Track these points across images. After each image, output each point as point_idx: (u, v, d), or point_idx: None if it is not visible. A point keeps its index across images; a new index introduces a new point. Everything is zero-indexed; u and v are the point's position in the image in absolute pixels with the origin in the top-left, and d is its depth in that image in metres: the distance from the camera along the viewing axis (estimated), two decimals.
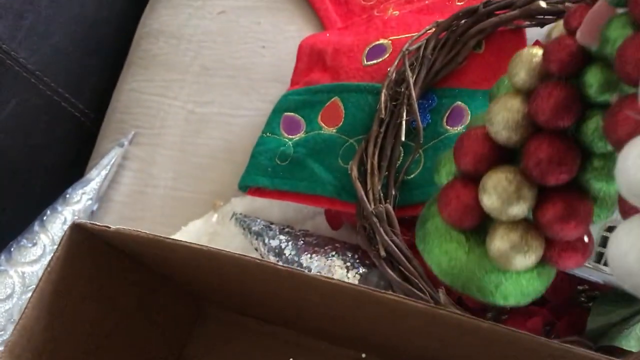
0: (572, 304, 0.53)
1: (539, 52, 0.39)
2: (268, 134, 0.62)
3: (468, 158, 0.40)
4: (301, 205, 0.63)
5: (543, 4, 0.57)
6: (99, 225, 0.40)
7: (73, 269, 0.41)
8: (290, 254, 0.60)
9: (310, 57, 0.66)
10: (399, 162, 0.57)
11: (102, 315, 0.47)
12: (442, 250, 0.42)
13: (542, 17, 0.59)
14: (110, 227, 0.39)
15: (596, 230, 0.46)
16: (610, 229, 0.46)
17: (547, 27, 0.56)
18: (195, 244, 0.38)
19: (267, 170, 0.59)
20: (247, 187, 0.62)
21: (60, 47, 0.78)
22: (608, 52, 0.33)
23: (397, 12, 0.67)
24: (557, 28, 0.40)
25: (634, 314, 0.49)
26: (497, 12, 0.59)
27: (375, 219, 0.52)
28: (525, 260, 0.38)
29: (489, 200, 0.38)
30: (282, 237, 0.61)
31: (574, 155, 0.36)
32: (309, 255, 0.59)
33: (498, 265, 0.39)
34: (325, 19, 0.76)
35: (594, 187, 0.38)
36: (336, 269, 0.57)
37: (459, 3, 0.65)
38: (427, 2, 0.67)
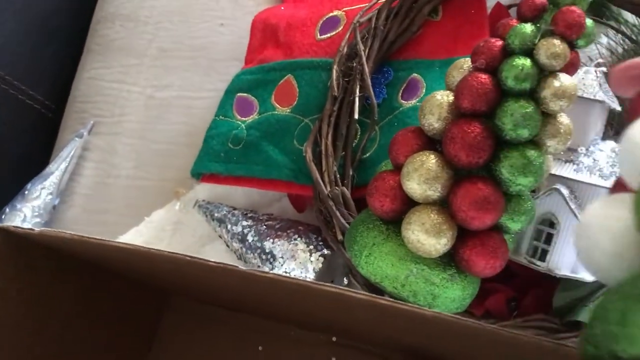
0: (542, 277, 0.51)
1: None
2: (221, 116, 0.60)
3: (400, 151, 0.40)
4: None
5: None
6: (22, 229, 0.38)
7: (4, 275, 0.40)
8: (252, 240, 0.58)
9: (263, 33, 0.63)
10: (355, 141, 0.55)
11: (45, 319, 0.45)
12: (365, 239, 0.41)
13: None
14: (34, 230, 0.38)
15: (533, 223, 0.45)
16: (544, 222, 0.45)
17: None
18: (120, 242, 0.37)
19: (220, 156, 0.57)
20: (200, 174, 0.60)
21: (13, 39, 0.75)
22: None
23: None
24: (456, 68, 0.41)
25: (599, 287, 0.48)
26: None
27: (331, 202, 0.50)
28: (436, 243, 0.37)
29: (409, 181, 0.38)
30: (244, 222, 0.60)
31: (488, 141, 0.37)
32: (271, 240, 0.57)
33: (412, 250, 0.38)
34: None
35: (505, 177, 0.38)
36: (299, 253, 0.55)
37: None
38: None
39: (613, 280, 0.21)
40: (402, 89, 0.55)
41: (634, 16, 0.57)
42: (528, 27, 0.38)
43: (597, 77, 0.47)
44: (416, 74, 0.55)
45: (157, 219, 0.66)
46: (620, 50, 0.57)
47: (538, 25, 0.38)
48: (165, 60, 0.76)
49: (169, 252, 0.36)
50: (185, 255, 0.36)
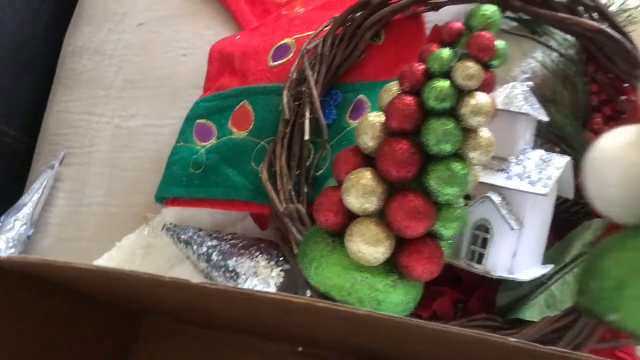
0: (485, 279, 0.55)
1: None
2: (181, 142, 0.63)
3: (341, 169, 0.44)
4: None
5: None
6: None
7: None
8: (217, 259, 0.61)
9: (220, 62, 0.67)
10: (310, 160, 0.58)
11: (19, 344, 0.48)
12: (314, 251, 0.44)
13: (434, 1, 0.60)
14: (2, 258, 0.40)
15: (469, 229, 0.49)
16: (480, 227, 0.48)
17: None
18: (82, 264, 0.39)
19: (182, 180, 0.61)
20: (163, 198, 0.63)
21: None
22: None
23: (302, 10, 0.68)
24: (387, 91, 0.45)
25: (539, 285, 0.51)
26: (390, 1, 0.60)
27: (286, 219, 0.54)
28: (375, 252, 0.41)
29: (348, 196, 0.41)
30: (209, 243, 0.63)
31: (415, 156, 0.41)
32: (234, 258, 0.60)
33: (355, 260, 0.42)
34: (241, 20, 0.77)
35: (433, 188, 0.42)
36: (260, 269, 0.59)
37: None
38: None
39: (625, 216, 0.23)
40: (350, 109, 0.59)
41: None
42: (445, 52, 0.42)
43: (523, 91, 0.51)
44: (362, 95, 0.59)
45: (127, 243, 0.69)
46: (551, 64, 0.61)
47: (455, 49, 0.42)
48: (131, 91, 0.79)
49: (129, 270, 0.39)
50: (142, 274, 0.39)
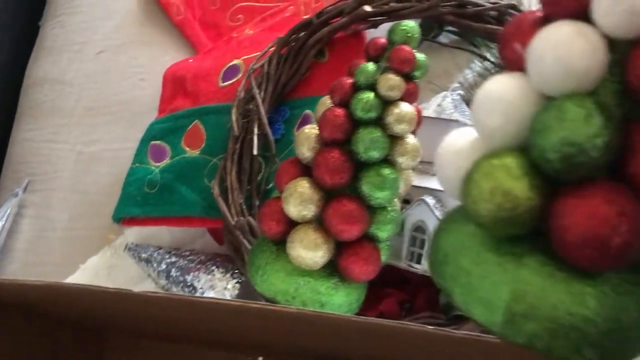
0: (430, 279, 0.57)
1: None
2: (137, 164, 0.65)
3: (282, 180, 0.46)
4: None
5: (368, 8, 0.61)
6: None
7: None
8: (176, 275, 0.63)
9: (173, 85, 0.70)
10: (261, 174, 0.61)
11: None
12: (260, 260, 0.47)
13: (372, 19, 0.63)
14: None
15: (407, 231, 0.52)
16: (418, 229, 0.51)
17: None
18: (41, 282, 0.41)
19: (137, 200, 0.63)
20: (120, 218, 0.65)
21: None
22: None
23: (251, 32, 0.71)
24: (322, 104, 0.48)
25: None
26: (331, 21, 0.63)
27: (237, 232, 0.56)
28: (314, 256, 0.43)
29: (287, 205, 0.43)
30: (168, 260, 0.65)
31: (347, 164, 0.44)
32: (192, 274, 0.62)
33: (297, 265, 0.44)
34: (197, 44, 0.80)
35: (365, 193, 0.44)
36: (216, 282, 0.61)
37: (306, 17, 0.69)
38: (277, 19, 0.71)
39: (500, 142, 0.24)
40: (298, 124, 0.62)
41: None
42: (369, 66, 0.45)
43: (454, 100, 0.54)
44: (308, 110, 0.62)
45: (91, 265, 0.71)
46: (486, 73, 0.65)
47: (379, 63, 0.45)
48: (91, 117, 0.81)
49: (84, 285, 0.41)
50: (95, 287, 0.41)
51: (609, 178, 0.21)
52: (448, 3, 0.61)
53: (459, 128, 0.50)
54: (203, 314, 0.46)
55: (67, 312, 0.55)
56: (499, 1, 0.61)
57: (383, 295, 0.55)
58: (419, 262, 0.51)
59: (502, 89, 0.23)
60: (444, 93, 0.55)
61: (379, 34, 0.66)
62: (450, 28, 0.69)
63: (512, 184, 0.22)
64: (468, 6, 0.61)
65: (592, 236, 0.20)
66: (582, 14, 0.21)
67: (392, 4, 0.62)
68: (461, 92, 0.55)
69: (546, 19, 0.23)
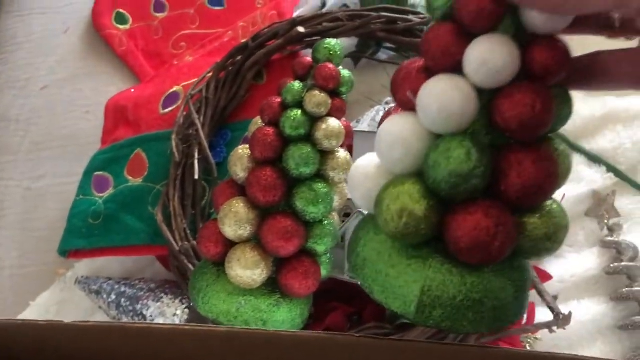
0: None
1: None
2: (81, 196, 0.65)
3: (219, 201, 0.47)
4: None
5: (301, 29, 0.63)
6: None
7: None
8: (126, 305, 0.63)
9: (114, 115, 0.70)
10: (205, 198, 0.61)
11: None
12: (201, 282, 0.47)
13: (308, 39, 0.65)
14: None
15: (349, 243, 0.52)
16: None
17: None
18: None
19: (82, 232, 0.62)
20: (66, 251, 0.64)
21: None
22: None
23: (191, 58, 0.72)
24: (255, 124, 0.49)
25: None
26: (267, 44, 0.64)
27: (182, 257, 0.56)
28: (252, 275, 0.44)
29: (223, 226, 0.44)
30: (118, 290, 0.64)
31: (279, 181, 0.45)
32: (142, 302, 0.62)
33: (237, 285, 0.44)
34: (141, 74, 0.81)
35: (299, 209, 0.44)
36: (165, 309, 0.60)
37: (243, 40, 0.70)
38: (216, 44, 0.72)
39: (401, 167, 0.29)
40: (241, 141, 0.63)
41: None
42: (296, 85, 0.46)
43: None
44: (249, 132, 0.62)
45: (42, 301, 0.70)
46: None
47: (306, 81, 0.47)
48: (38, 152, 0.81)
49: (28, 320, 0.40)
50: (35, 321, 0.41)
51: (487, 196, 0.27)
52: (379, 20, 0.62)
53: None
54: (147, 343, 0.46)
55: (18, 349, 0.54)
56: (428, 16, 0.63)
57: (330, 309, 0.55)
58: None
59: (400, 128, 0.28)
60: (377, 107, 0.56)
61: None
62: (388, 44, 0.71)
63: (415, 206, 0.27)
64: (398, 22, 0.63)
65: (478, 243, 0.26)
66: (457, 68, 0.27)
67: (325, 24, 0.63)
68: (393, 104, 0.57)
69: (428, 69, 0.28)
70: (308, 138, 0.46)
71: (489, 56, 0.26)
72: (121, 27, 0.85)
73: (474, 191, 0.27)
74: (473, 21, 0.26)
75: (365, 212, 0.50)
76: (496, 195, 0.27)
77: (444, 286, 0.28)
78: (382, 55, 0.73)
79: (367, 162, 0.31)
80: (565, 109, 0.29)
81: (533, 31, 0.27)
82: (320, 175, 0.47)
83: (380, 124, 0.32)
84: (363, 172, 0.31)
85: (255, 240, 0.46)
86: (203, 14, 0.84)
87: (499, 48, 0.26)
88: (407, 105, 0.29)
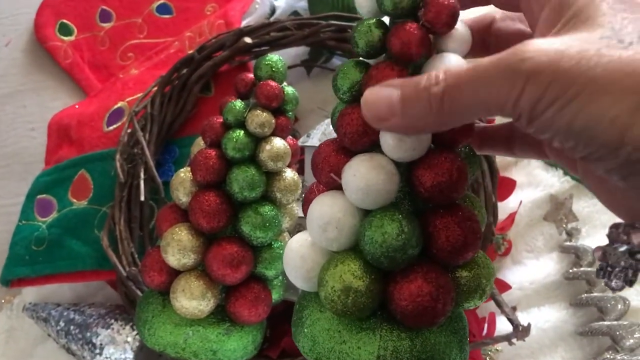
0: None
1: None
2: (23, 221, 0.62)
3: (162, 227, 0.45)
4: None
5: (248, 40, 0.61)
6: None
7: None
8: (75, 332, 0.60)
9: (57, 134, 0.67)
10: (153, 219, 0.59)
11: None
12: (146, 313, 0.44)
13: (256, 49, 0.62)
14: None
15: None
16: None
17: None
18: None
19: (25, 259, 0.59)
20: (8, 281, 0.61)
21: None
22: None
23: (136, 71, 0.69)
24: (197, 145, 0.47)
25: None
26: (213, 55, 0.62)
27: (130, 282, 0.54)
28: (198, 305, 0.41)
29: (166, 254, 0.42)
30: (67, 317, 0.61)
31: (224, 206, 0.43)
32: (91, 330, 0.59)
33: (183, 316, 0.42)
34: (87, 88, 0.77)
35: (246, 234, 0.43)
36: (116, 336, 0.58)
37: (190, 52, 0.68)
38: (162, 56, 0.69)
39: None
40: (188, 164, 0.60)
41: None
42: (238, 104, 0.44)
43: None
44: None
45: None
46: None
47: (248, 100, 0.44)
48: None
49: None
50: None
51: (421, 257, 0.28)
52: (328, 29, 0.61)
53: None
54: None
55: None
56: None
57: (286, 331, 0.53)
58: None
59: (331, 209, 0.28)
60: (327, 120, 0.55)
61: None
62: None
63: (358, 283, 0.28)
64: (348, 30, 0.61)
65: (423, 309, 0.27)
66: (374, 145, 0.28)
67: (273, 34, 0.61)
68: None
69: (345, 149, 0.29)
70: (252, 159, 0.44)
71: (402, 138, 0.27)
72: (66, 38, 0.82)
73: (411, 259, 0.27)
74: None
75: None
76: (428, 255, 0.28)
77: (397, 352, 0.28)
78: (337, 61, 0.71)
79: (301, 243, 0.31)
80: (474, 167, 0.31)
81: None
82: (267, 197, 0.45)
83: (305, 203, 0.32)
84: (299, 254, 0.30)
85: (201, 268, 0.44)
86: (151, 22, 0.81)
87: None
88: (331, 185, 0.29)
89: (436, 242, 0.28)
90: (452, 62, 0.27)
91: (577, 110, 0.21)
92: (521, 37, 0.28)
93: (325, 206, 0.29)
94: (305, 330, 0.31)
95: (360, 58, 0.30)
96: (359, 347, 0.28)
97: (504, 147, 0.32)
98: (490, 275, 0.30)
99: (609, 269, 0.24)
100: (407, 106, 0.25)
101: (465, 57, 0.28)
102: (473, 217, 0.29)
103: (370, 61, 0.29)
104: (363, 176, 0.27)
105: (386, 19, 0.29)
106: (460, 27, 0.28)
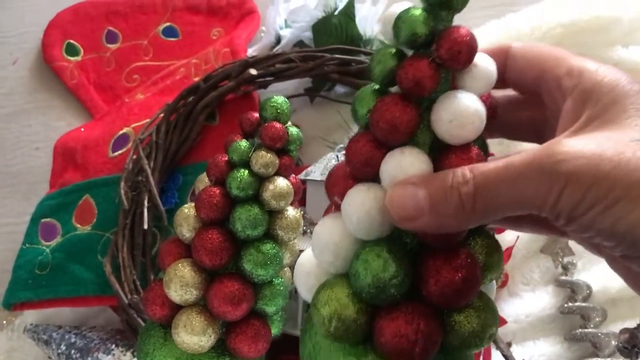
0: None
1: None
2: (27, 244, 0.63)
3: (165, 261, 0.45)
4: None
5: (253, 72, 0.62)
6: None
7: None
8: (76, 357, 0.61)
9: (63, 157, 0.68)
10: (156, 246, 0.60)
11: None
12: (147, 345, 0.45)
13: (260, 80, 0.64)
14: None
15: (301, 297, 0.51)
16: None
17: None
18: None
19: (28, 283, 0.60)
20: (11, 305, 0.62)
21: None
22: None
23: (142, 97, 0.70)
24: (201, 181, 0.48)
25: None
26: (219, 85, 0.63)
27: (132, 311, 0.54)
28: (199, 341, 0.42)
29: (168, 289, 0.42)
30: (67, 341, 0.62)
31: (226, 244, 0.43)
32: (92, 355, 0.60)
33: (184, 351, 0.43)
34: (92, 109, 0.78)
35: (247, 271, 0.43)
36: None
37: (196, 79, 0.69)
38: (168, 82, 0.70)
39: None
40: (191, 191, 0.61)
41: None
42: (243, 144, 0.45)
43: (339, 160, 0.55)
44: None
45: None
46: None
47: (253, 139, 0.45)
48: None
49: None
50: None
51: (413, 294, 0.28)
52: (332, 62, 0.62)
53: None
54: None
55: None
56: None
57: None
58: None
59: (329, 232, 0.29)
60: (330, 155, 0.56)
61: (269, 93, 0.67)
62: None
63: (344, 311, 0.28)
64: (352, 64, 0.62)
65: (400, 350, 0.27)
66: (377, 176, 0.28)
67: (278, 65, 0.62)
68: None
69: (353, 175, 0.29)
70: (256, 198, 0.45)
71: (399, 171, 0.27)
72: (72, 58, 0.83)
73: (394, 298, 0.27)
74: (386, 135, 0.27)
75: None
76: (421, 297, 0.28)
77: None
78: (340, 89, 0.72)
79: (308, 260, 0.31)
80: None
81: (447, 142, 0.27)
82: (269, 235, 0.45)
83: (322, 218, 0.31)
84: (305, 270, 0.31)
85: (203, 303, 0.45)
86: (157, 45, 0.82)
87: (409, 161, 0.27)
88: (338, 208, 0.29)
89: (425, 284, 0.27)
90: (461, 103, 0.26)
91: (620, 215, 0.21)
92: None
93: (326, 229, 0.29)
94: (306, 337, 0.32)
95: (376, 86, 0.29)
96: None
97: (512, 222, 0.32)
98: (492, 323, 0.29)
99: (635, 349, 0.25)
100: (436, 206, 0.25)
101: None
102: (472, 263, 0.28)
103: (393, 89, 0.28)
104: (357, 206, 0.27)
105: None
106: (481, 62, 0.27)
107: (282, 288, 0.46)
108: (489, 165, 0.24)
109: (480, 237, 0.29)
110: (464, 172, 0.24)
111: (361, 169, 0.28)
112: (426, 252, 0.28)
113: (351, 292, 0.28)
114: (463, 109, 0.26)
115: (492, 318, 0.29)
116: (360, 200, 0.27)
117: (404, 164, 0.27)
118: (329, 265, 0.29)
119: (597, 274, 0.63)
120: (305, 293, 0.31)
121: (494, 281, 0.31)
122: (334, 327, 0.28)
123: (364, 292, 0.27)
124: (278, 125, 0.44)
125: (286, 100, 0.46)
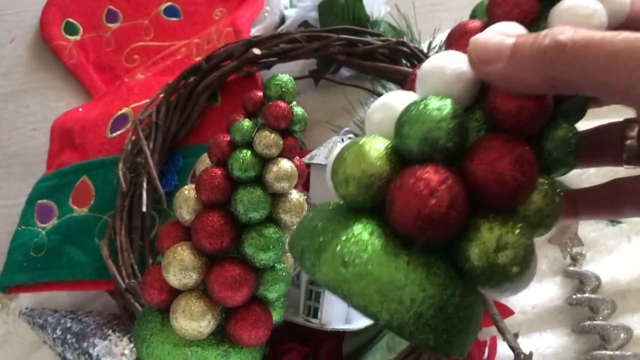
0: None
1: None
2: (22, 226, 0.61)
3: (164, 244, 0.44)
4: None
5: (257, 51, 0.60)
6: None
7: None
8: (72, 342, 0.59)
9: (60, 138, 0.66)
10: (154, 229, 0.58)
11: None
12: (145, 331, 0.44)
13: (264, 60, 0.62)
14: None
15: (303, 284, 0.50)
16: (313, 282, 0.49)
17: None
18: None
19: (24, 266, 0.59)
20: (5, 287, 0.60)
21: None
22: None
23: (142, 76, 0.68)
24: (202, 162, 0.46)
25: (382, 329, 0.53)
26: (221, 65, 0.61)
27: (129, 295, 0.53)
28: (198, 327, 0.41)
29: (167, 273, 0.41)
30: (63, 325, 0.61)
31: (227, 227, 0.42)
32: (88, 340, 0.58)
33: (183, 337, 0.42)
34: (91, 89, 0.76)
35: (249, 255, 0.41)
36: (113, 347, 0.57)
37: (197, 59, 0.67)
38: (169, 62, 0.69)
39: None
40: (191, 173, 0.59)
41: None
42: (245, 123, 0.43)
43: (344, 142, 0.53)
44: None
45: None
46: None
47: (256, 119, 0.44)
48: None
49: None
50: None
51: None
52: (338, 42, 0.60)
53: None
54: None
55: None
56: (389, 39, 0.61)
57: (285, 350, 0.53)
58: (315, 316, 0.49)
59: (392, 99, 0.26)
60: (334, 138, 0.54)
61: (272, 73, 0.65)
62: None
63: (373, 161, 0.25)
64: (358, 45, 0.60)
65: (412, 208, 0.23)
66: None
67: (282, 45, 0.60)
68: (352, 135, 0.54)
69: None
70: (258, 180, 0.43)
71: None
72: (71, 37, 0.81)
73: (444, 151, 0.24)
74: None
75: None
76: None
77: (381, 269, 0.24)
78: (345, 72, 0.70)
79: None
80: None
81: None
82: (271, 219, 0.44)
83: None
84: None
85: (202, 288, 0.43)
86: (158, 25, 0.80)
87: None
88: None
89: (472, 156, 0.24)
90: None
91: None
92: None
93: (390, 96, 0.27)
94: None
95: None
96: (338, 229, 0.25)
97: (608, 209, 0.30)
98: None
99: None
100: (517, 51, 0.22)
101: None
102: (530, 160, 0.24)
103: None
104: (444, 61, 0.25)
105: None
106: None
107: (284, 274, 0.45)
108: (594, 31, 0.21)
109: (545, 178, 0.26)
110: (564, 27, 0.22)
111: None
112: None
113: (389, 145, 0.25)
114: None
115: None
116: (445, 57, 0.25)
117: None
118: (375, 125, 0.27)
119: (607, 265, 0.61)
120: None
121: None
122: (361, 172, 0.24)
123: (410, 142, 0.24)
124: (282, 104, 0.43)
125: (291, 78, 0.44)
